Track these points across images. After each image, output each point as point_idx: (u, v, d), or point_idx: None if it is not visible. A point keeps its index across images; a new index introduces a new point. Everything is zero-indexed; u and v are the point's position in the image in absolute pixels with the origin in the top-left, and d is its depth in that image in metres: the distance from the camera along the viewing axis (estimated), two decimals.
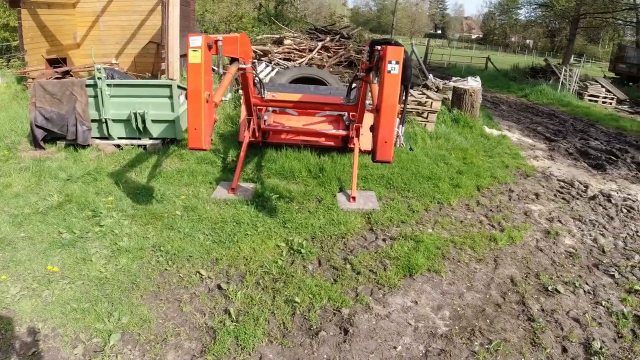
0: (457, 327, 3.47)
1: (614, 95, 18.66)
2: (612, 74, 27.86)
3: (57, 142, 7.05)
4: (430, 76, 13.01)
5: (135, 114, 6.90)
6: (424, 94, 9.29)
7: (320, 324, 3.39)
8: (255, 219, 4.90)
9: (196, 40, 3.67)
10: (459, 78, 13.87)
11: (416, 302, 3.72)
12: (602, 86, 19.16)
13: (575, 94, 18.93)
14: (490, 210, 5.69)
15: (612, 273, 4.46)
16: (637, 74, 25.51)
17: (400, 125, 3.81)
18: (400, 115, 3.76)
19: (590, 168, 8.26)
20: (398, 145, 3.84)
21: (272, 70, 11.29)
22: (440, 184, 6.09)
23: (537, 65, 26.96)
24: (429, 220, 5.19)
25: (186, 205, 5.19)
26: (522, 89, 19.88)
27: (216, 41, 3.91)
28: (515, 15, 72.35)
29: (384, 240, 4.67)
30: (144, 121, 6.96)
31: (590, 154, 9.24)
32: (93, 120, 6.98)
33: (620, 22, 32.04)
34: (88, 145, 6.99)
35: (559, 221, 5.58)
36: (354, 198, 5.38)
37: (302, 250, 4.30)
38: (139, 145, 7.16)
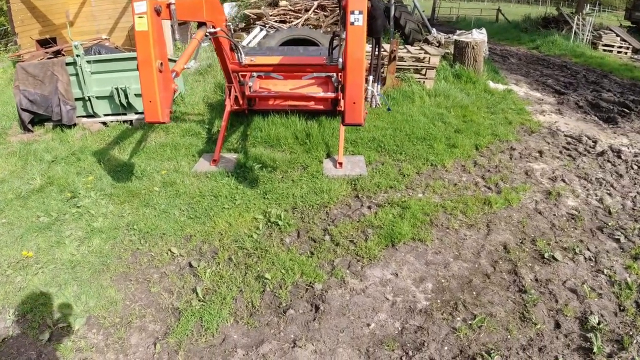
0: (439, 301, 3.21)
1: (630, 44, 17.70)
2: (628, 23, 26.48)
3: (45, 123, 6.88)
4: (434, 31, 12.41)
5: (117, 89, 6.66)
6: (422, 49, 8.80)
7: (291, 301, 3.16)
8: (235, 191, 4.65)
9: (141, 6, 3.32)
10: (463, 31, 13.21)
11: (396, 274, 3.46)
12: (617, 35, 18.18)
13: (588, 43, 18.02)
14: (488, 170, 5.34)
15: (618, 237, 4.13)
16: None
17: (376, 84, 3.46)
18: (374, 72, 3.41)
19: (601, 122, 7.78)
20: (374, 106, 3.51)
21: (267, 34, 10.82)
22: (435, 145, 5.74)
23: (549, 15, 25.74)
24: (420, 184, 4.87)
25: (165, 181, 4.96)
26: (533, 40, 19.00)
27: (168, 4, 3.56)
28: None
29: (369, 207, 4.38)
30: (127, 96, 6.71)
31: (601, 107, 8.72)
32: (77, 99, 6.77)
33: None
34: (74, 124, 6.80)
35: (563, 180, 5.22)
36: (340, 164, 5.08)
37: (280, 223, 4.04)
38: (125, 121, 6.93)
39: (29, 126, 6.76)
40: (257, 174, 4.95)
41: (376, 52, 3.34)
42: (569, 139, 6.64)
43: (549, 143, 6.43)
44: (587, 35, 18.26)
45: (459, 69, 9.17)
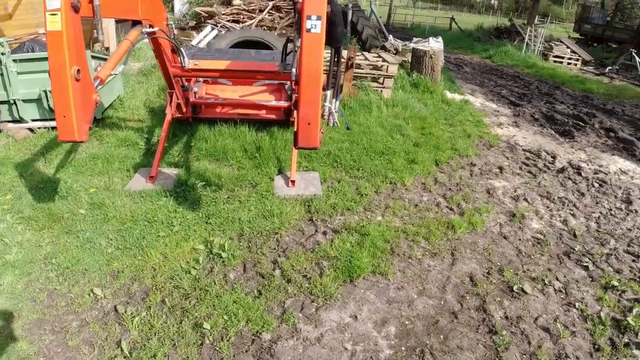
0: (403, 349, 2.82)
1: (579, 56, 18.26)
2: (576, 35, 27.55)
3: None
4: (390, 37, 12.20)
5: (45, 91, 5.93)
6: (380, 57, 8.50)
7: (234, 356, 2.68)
8: (173, 215, 4.10)
9: (54, 1, 2.76)
10: (420, 39, 13.08)
11: (356, 316, 3.05)
12: (567, 47, 18.72)
13: (540, 55, 18.45)
14: (449, 189, 5.04)
15: (586, 264, 3.90)
16: (601, 34, 25.24)
17: (334, 100, 3.04)
18: (332, 87, 3.00)
19: (558, 135, 7.72)
20: (332, 124, 3.09)
21: (217, 34, 10.24)
22: (394, 160, 5.39)
23: (501, 26, 26.35)
24: (379, 205, 4.50)
25: (93, 202, 4.35)
26: (487, 49, 19.28)
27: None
28: None
29: (324, 233, 3.96)
30: None
31: (556, 119, 8.72)
32: (1, 102, 5.97)
33: None
34: None
35: (525, 200, 4.99)
36: (293, 182, 4.64)
37: (224, 254, 3.55)
38: (55, 128, 6.19)
39: None
40: (199, 194, 4.43)
41: (335, 64, 2.93)
42: (528, 154, 6.48)
43: (508, 158, 6.24)
44: (539, 47, 18.68)
45: (416, 78, 8.94)
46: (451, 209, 4.59)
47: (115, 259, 3.58)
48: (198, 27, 12.40)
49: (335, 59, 2.91)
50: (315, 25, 2.42)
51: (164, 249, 3.65)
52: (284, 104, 5.68)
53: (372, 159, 5.41)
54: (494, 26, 27.02)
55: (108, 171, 5.00)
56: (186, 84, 5.43)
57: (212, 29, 11.63)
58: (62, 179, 4.82)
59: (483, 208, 4.64)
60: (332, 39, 2.80)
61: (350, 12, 12.21)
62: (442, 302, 3.27)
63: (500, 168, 5.80)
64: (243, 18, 12.38)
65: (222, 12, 12.42)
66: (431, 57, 8.96)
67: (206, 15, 12.39)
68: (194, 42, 11.05)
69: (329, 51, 3.01)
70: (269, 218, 4.05)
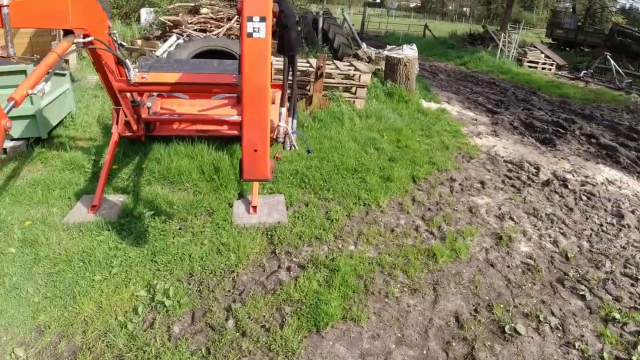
0: None
1: (554, 61, 18.22)
2: (549, 40, 27.76)
3: None
4: (363, 45, 11.81)
5: None
6: (352, 65, 8.06)
7: None
8: (113, 252, 3.54)
9: None
10: (393, 46, 12.74)
11: None
12: (541, 52, 18.68)
13: (514, 60, 18.36)
14: (429, 209, 4.59)
15: (582, 292, 3.49)
16: (574, 39, 25.44)
17: (290, 119, 2.56)
18: (288, 103, 2.52)
19: (539, 144, 7.38)
20: (289, 148, 2.60)
21: (177, 44, 9.69)
22: (368, 178, 4.93)
23: (475, 32, 26.36)
24: (351, 232, 4.01)
25: (26, 238, 3.77)
26: (461, 56, 19.12)
27: None
28: None
29: (288, 270, 3.45)
30: None
31: (536, 127, 8.41)
32: None
33: None
34: None
35: (511, 219, 4.57)
36: (254, 208, 4.12)
37: (168, 302, 3.01)
38: None
39: None
40: (146, 225, 3.88)
41: (290, 76, 2.45)
42: (510, 166, 6.10)
43: (489, 171, 5.84)
44: (513, 52, 18.58)
45: (390, 87, 8.54)
46: (431, 233, 4.13)
47: (43, 310, 3.02)
48: (163, 37, 11.83)
49: (290, 70, 2.43)
50: (259, 29, 1.93)
51: (98, 297, 3.09)
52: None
53: (344, 177, 4.94)
54: (467, 33, 27.01)
55: (47, 200, 4.42)
56: (137, 98, 4.89)
57: (178, 38, 11.07)
58: None
59: (466, 230, 4.20)
60: (285, 46, 2.32)
61: (321, 20, 11.80)
62: (425, 352, 2.79)
63: (482, 183, 5.38)
64: (210, 27, 11.86)
65: (189, 21, 11.88)
66: (405, 65, 8.57)
67: (172, 24, 11.83)
68: (158, 52, 10.48)
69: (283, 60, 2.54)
70: (224, 253, 3.52)
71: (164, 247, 3.59)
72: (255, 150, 2.05)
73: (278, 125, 2.49)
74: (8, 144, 5.54)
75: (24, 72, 5.27)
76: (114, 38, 3.97)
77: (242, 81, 2.00)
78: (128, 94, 4.66)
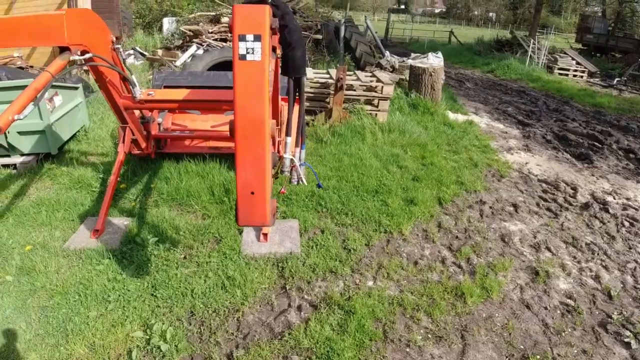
0: None
1: (585, 68, 17.48)
2: (578, 45, 26.85)
3: None
4: (387, 53, 11.46)
5: None
6: (374, 76, 7.73)
7: None
8: (111, 284, 3.28)
9: None
10: (418, 54, 12.34)
11: None
12: (572, 58, 17.97)
13: (544, 67, 17.69)
14: (456, 237, 4.21)
15: (627, 340, 3.07)
16: (605, 44, 24.53)
17: (298, 149, 2.24)
18: (296, 132, 2.20)
19: (574, 160, 6.90)
20: (295, 182, 2.28)
21: (193, 55, 9.52)
22: (390, 201, 4.57)
23: (502, 38, 25.68)
24: (370, 264, 3.66)
25: (24, 265, 3.56)
26: (488, 63, 18.56)
27: None
28: None
29: (299, 309, 3.12)
30: (6, 134, 5.22)
31: (570, 140, 7.91)
32: None
33: None
34: None
35: (548, 249, 4.15)
36: (265, 235, 3.81)
37: (164, 347, 2.71)
38: (7, 165, 5.42)
39: None
40: (149, 254, 3.61)
41: (296, 101, 2.13)
42: (545, 186, 5.65)
43: (522, 192, 5.41)
44: (543, 59, 17.93)
45: (415, 98, 8.16)
46: (460, 267, 3.75)
47: (33, 349, 2.77)
48: (184, 47, 11.70)
49: (297, 95, 2.12)
50: (253, 50, 1.62)
51: (92, 337, 2.82)
52: None
53: (364, 199, 4.59)
54: (494, 39, 26.33)
55: (51, 221, 4.21)
56: (147, 114, 4.66)
57: (197, 48, 10.93)
58: None
59: (499, 264, 3.80)
60: (290, 67, 2.00)
61: (342, 28, 11.50)
62: None
63: (515, 206, 4.97)
64: (231, 37, 11.68)
65: (209, 31, 11.72)
66: (431, 75, 8.19)
67: (192, 34, 11.70)
68: (178, 63, 10.34)
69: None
70: (230, 289, 3.22)
71: (166, 279, 3.31)
72: (252, 193, 1.74)
73: (283, 157, 2.17)
74: (18, 160, 5.39)
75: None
76: (119, 52, 3.73)
77: (234, 112, 1.70)
78: (137, 111, 4.44)
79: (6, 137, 5.21)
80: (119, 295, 3.17)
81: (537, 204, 5.10)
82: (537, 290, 3.54)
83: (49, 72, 2.90)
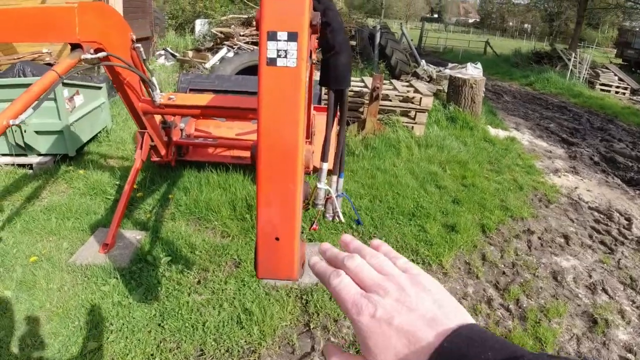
0: None
1: (627, 84, 16.63)
2: (618, 60, 25.78)
3: None
4: (423, 62, 11.00)
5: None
6: (411, 86, 7.29)
7: None
8: (115, 310, 2.94)
9: None
10: (456, 64, 11.85)
11: None
12: (615, 74, 17.12)
13: (585, 82, 16.90)
14: (503, 272, 3.74)
15: None
16: None
17: (336, 177, 1.84)
18: (336, 157, 1.80)
19: (625, 185, 6.31)
20: (330, 217, 1.88)
21: (223, 58, 9.25)
22: (428, 226, 4.13)
23: (541, 50, 24.84)
24: None
25: (25, 279, 3.28)
26: (527, 76, 17.84)
27: None
28: None
29: (323, 355, 2.71)
30: (23, 134, 4.99)
31: (619, 163, 7.32)
32: None
33: (632, 3, 29.64)
34: None
35: (605, 291, 3.65)
36: None
37: None
38: (24, 165, 5.20)
39: None
40: (160, 275, 3.26)
41: (336, 119, 1.72)
42: (597, 215, 5.12)
43: (573, 221, 4.89)
44: (584, 74, 17.14)
45: (453, 111, 7.69)
46: (508, 310, 3.28)
47: None
48: (214, 49, 11.48)
49: (337, 110, 1.72)
50: (286, 52, 1.22)
51: None
52: None
53: (400, 223, 4.16)
54: (532, 50, 25.50)
55: (60, 230, 3.93)
56: (169, 119, 4.35)
57: (228, 50, 10.68)
58: (5, 239, 3.79)
59: (552, 308, 3.32)
60: (331, 77, 1.60)
61: (378, 34, 11.09)
62: None
63: (566, 237, 4.46)
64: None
65: (240, 33, 11.47)
66: (472, 87, 7.70)
67: (223, 36, 11.47)
68: (207, 65, 10.10)
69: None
70: (246, 325, 2.83)
71: (176, 307, 2.95)
72: (277, 239, 1.35)
73: (317, 187, 1.77)
74: (34, 160, 5.16)
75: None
76: (139, 52, 3.41)
77: (258, 134, 1.30)
78: (158, 115, 4.13)
79: (22, 136, 4.98)
80: (123, 324, 2.82)
81: (590, 236, 4.58)
82: (596, 342, 3.06)
83: (55, 72, 2.58)
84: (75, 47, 2.80)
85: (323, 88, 1.78)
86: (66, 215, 4.14)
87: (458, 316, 0.49)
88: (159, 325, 2.84)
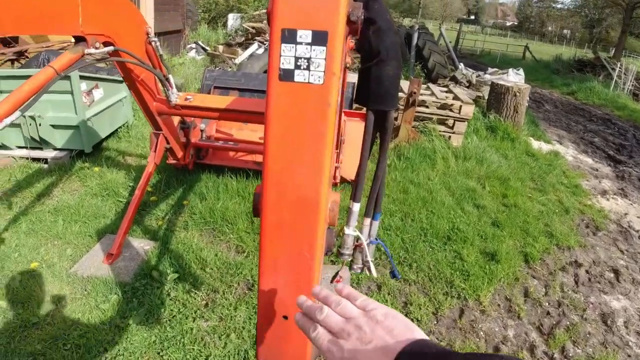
0: None
1: None
2: None
3: None
4: (461, 66, 10.49)
5: (25, 117, 4.72)
6: (450, 92, 6.84)
7: None
8: (112, 334, 2.64)
9: None
10: (496, 69, 11.30)
11: None
12: None
13: (630, 94, 16.01)
14: (548, 313, 3.30)
15: None
16: None
17: (370, 220, 1.45)
18: (370, 195, 1.42)
19: None
20: (359, 270, 1.51)
21: (251, 55, 8.95)
22: (465, 252, 3.71)
23: (583, 57, 23.81)
24: (438, 343, 2.83)
25: (21, 289, 3.02)
26: (568, 84, 17.01)
27: None
28: (554, 3, 68.24)
29: None
30: (38, 127, 4.78)
31: None
32: None
33: None
34: None
35: None
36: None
37: None
38: (39, 159, 5.00)
39: None
40: (165, 294, 2.96)
41: (375, 146, 1.34)
42: None
43: (623, 252, 4.39)
44: (629, 85, 16.23)
45: (494, 120, 7.19)
46: (553, 359, 2.86)
47: None
48: (245, 44, 11.21)
49: (379, 137, 1.34)
50: (310, 61, 0.86)
51: None
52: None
53: (433, 247, 3.76)
54: (574, 57, 24.47)
55: (65, 235, 3.67)
56: (188, 120, 4.05)
57: (259, 46, 10.39)
58: (8, 240, 3.57)
59: (601, 359, 2.87)
60: (372, 93, 1.21)
61: (416, 35, 10.62)
62: None
63: (616, 272, 3.98)
64: None
65: None
66: (515, 95, 7.19)
67: (254, 31, 11.19)
68: (237, 60, 9.83)
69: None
70: None
71: (179, 335, 2.63)
72: (286, 318, 0.99)
73: (344, 233, 1.40)
74: (49, 154, 4.95)
75: (67, 77, 4.62)
76: (155, 48, 3.09)
77: (263, 177, 0.93)
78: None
79: (37, 130, 4.76)
80: (118, 351, 2.52)
81: None
82: None
83: (52, 68, 2.27)
84: (79, 40, 2.50)
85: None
86: (74, 218, 3.89)
87: (407, 335, 0.61)
88: (158, 354, 2.52)
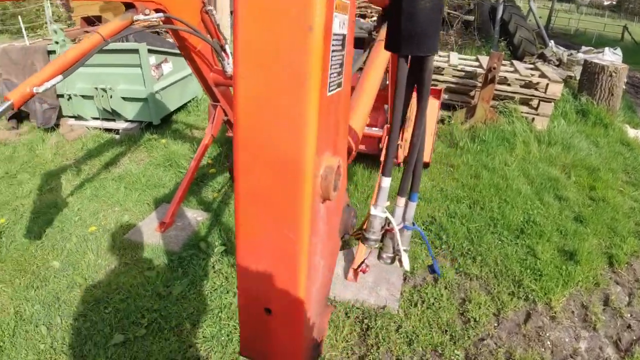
0: None
1: None
2: None
3: (32, 120, 5.39)
4: (551, 43, 9.58)
5: (97, 89, 4.87)
6: (536, 69, 6.22)
7: None
8: (153, 300, 2.62)
9: None
10: (591, 48, 10.21)
11: None
12: None
13: None
14: (628, 326, 2.85)
15: None
16: None
17: (405, 199, 1.21)
18: (405, 168, 1.17)
19: None
20: (389, 261, 1.27)
21: None
22: (539, 249, 3.31)
23: None
24: (495, 351, 2.50)
25: (75, 251, 3.12)
26: None
27: None
28: None
29: None
30: (109, 100, 4.92)
31: None
32: (60, 96, 5.09)
33: None
34: (57, 125, 5.29)
35: None
36: (355, 272, 2.87)
37: None
38: (110, 130, 5.18)
39: (12, 122, 5.43)
40: (209, 266, 2.89)
41: (414, 109, 1.08)
42: None
43: None
44: None
45: (586, 103, 6.46)
46: None
47: None
48: None
49: (417, 94, 1.06)
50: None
51: None
52: (377, 131, 3.95)
53: (502, 240, 3.39)
54: None
55: (125, 202, 3.76)
56: None
57: None
58: (72, 204, 3.75)
59: None
60: (403, 33, 0.93)
61: (500, 8, 9.82)
62: None
63: None
64: (371, 12, 10.64)
65: None
66: (611, 76, 6.39)
67: None
68: None
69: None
70: None
71: (217, 308, 2.56)
72: (268, 311, 0.78)
73: (370, 214, 1.17)
74: (121, 125, 5.11)
75: (135, 51, 4.67)
76: (211, 15, 2.98)
77: (233, 135, 0.71)
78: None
79: (109, 102, 4.90)
80: (155, 319, 2.50)
81: None
82: None
83: (99, 34, 2.22)
84: (128, 7, 2.43)
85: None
86: (135, 186, 3.97)
87: None
88: (194, 326, 2.46)
